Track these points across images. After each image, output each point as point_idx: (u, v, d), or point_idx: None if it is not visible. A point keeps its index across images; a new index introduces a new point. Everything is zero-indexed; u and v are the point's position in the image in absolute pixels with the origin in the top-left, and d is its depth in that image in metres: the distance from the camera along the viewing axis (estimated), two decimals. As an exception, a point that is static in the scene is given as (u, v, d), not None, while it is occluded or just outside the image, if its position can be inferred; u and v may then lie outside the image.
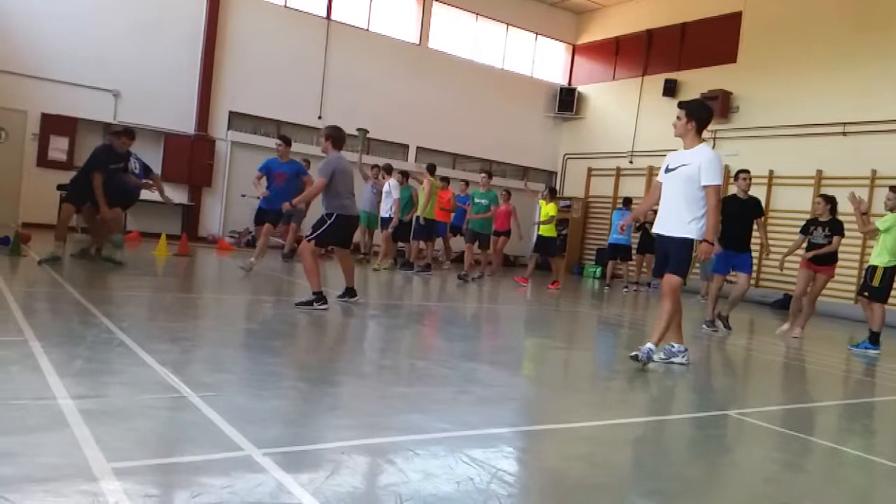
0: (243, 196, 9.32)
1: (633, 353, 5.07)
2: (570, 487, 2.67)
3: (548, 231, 12.19)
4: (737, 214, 8.02)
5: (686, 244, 5.17)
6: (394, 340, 5.79)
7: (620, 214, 14.20)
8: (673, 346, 5.49)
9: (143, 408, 2.99)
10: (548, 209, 12.22)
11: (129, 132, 8.64)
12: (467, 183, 14.27)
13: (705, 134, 5.47)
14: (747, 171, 8.28)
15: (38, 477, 2.16)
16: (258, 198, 9.46)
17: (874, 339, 7.77)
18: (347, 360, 4.83)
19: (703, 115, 5.31)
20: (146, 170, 9.92)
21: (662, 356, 5.48)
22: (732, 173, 14.76)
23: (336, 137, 6.78)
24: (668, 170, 5.35)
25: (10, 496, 1.99)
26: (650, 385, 4.77)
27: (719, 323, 8.19)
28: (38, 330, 4.22)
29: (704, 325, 8.18)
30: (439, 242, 13.45)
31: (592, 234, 18.57)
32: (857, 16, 13.39)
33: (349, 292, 7.07)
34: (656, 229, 5.43)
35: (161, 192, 9.83)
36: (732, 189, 8.78)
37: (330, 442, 2.81)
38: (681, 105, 5.42)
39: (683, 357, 5.49)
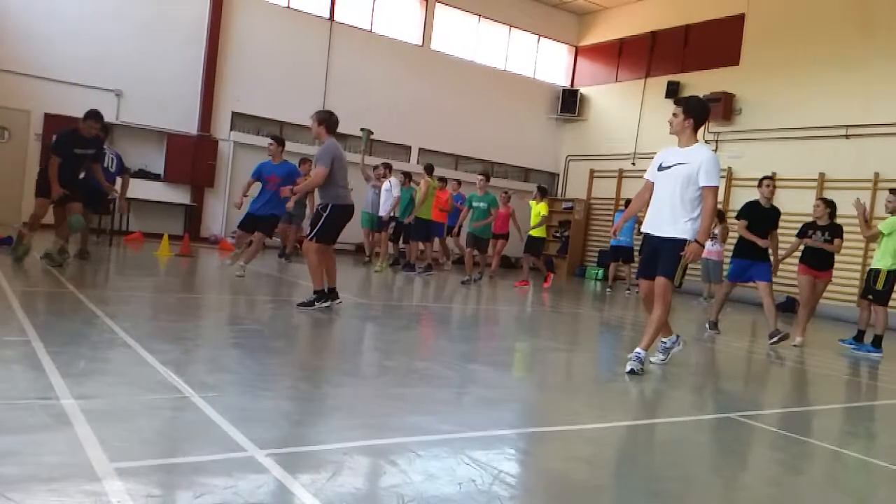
0: (246, 197, 9.26)
1: (629, 369, 4.91)
2: (573, 489, 2.66)
3: (539, 231, 12.22)
4: (758, 222, 7.76)
5: (680, 245, 4.99)
6: (395, 341, 5.79)
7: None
8: (665, 342, 5.46)
9: (146, 408, 3.00)
10: (539, 208, 12.22)
11: (95, 114, 7.97)
12: (459, 182, 14.26)
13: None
14: (771, 178, 8.01)
15: (41, 476, 2.16)
16: (237, 205, 9.15)
17: (877, 343, 7.75)
18: (349, 361, 4.83)
19: (700, 112, 5.12)
20: (121, 167, 9.71)
21: (662, 357, 5.45)
22: (735, 176, 14.96)
23: (330, 122, 6.49)
24: (661, 168, 5.14)
25: (13, 496, 1.99)
26: (652, 387, 4.77)
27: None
28: (40, 330, 4.23)
29: (707, 327, 8.16)
30: (437, 243, 13.45)
31: (594, 236, 18.57)
32: (861, 18, 13.39)
33: (331, 293, 6.69)
34: (646, 228, 5.22)
35: (122, 195, 9.47)
36: (741, 193, 8.69)
37: (332, 443, 2.81)
38: (678, 101, 5.21)
39: (679, 346, 5.52)
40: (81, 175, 8.24)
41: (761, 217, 7.83)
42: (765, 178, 8.03)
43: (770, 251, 7.81)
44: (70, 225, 7.85)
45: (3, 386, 3.10)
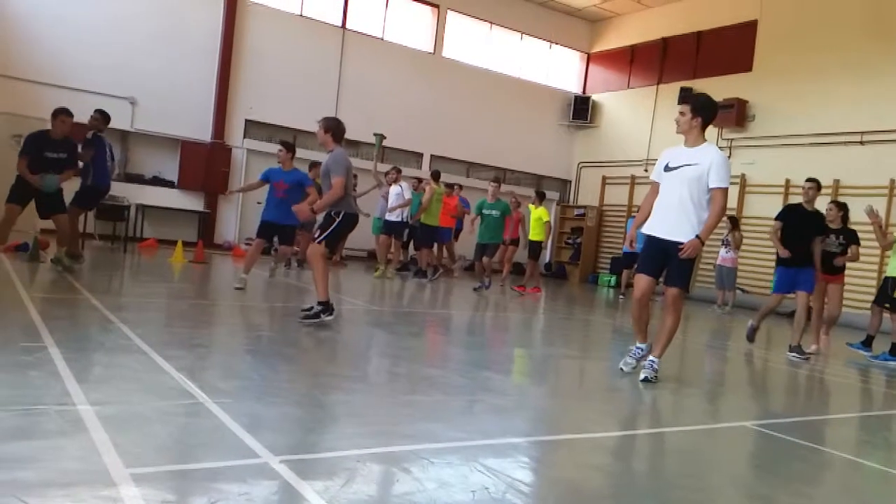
0: (259, 203, 9.29)
1: (642, 377, 4.87)
2: (587, 498, 2.65)
3: (538, 236, 12.23)
4: (799, 226, 7.31)
5: None
6: (407, 348, 5.79)
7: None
8: (641, 348, 5.17)
9: (161, 414, 3.01)
10: (539, 213, 12.21)
11: (64, 110, 7.65)
12: (461, 186, 14.31)
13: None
14: (812, 181, 7.45)
15: (58, 482, 2.18)
16: (227, 193, 8.91)
17: (894, 351, 7.66)
18: (361, 368, 4.84)
19: (708, 111, 4.93)
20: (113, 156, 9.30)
21: (631, 363, 5.15)
22: (748, 183, 14.88)
23: (337, 130, 6.38)
24: (668, 168, 4.97)
25: (30, 500, 2.01)
26: (666, 395, 4.74)
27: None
28: (56, 336, 4.26)
29: (746, 337, 7.79)
30: (445, 248, 13.45)
31: (607, 243, 18.52)
32: (875, 24, 13.30)
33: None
34: (651, 231, 5.01)
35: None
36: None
37: (345, 450, 2.82)
38: (685, 99, 4.98)
39: (633, 355, 5.21)
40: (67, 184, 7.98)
41: (802, 221, 7.37)
42: (807, 180, 7.53)
43: (815, 259, 7.40)
44: (43, 184, 7.58)
45: (20, 392, 3.13)
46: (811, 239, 7.36)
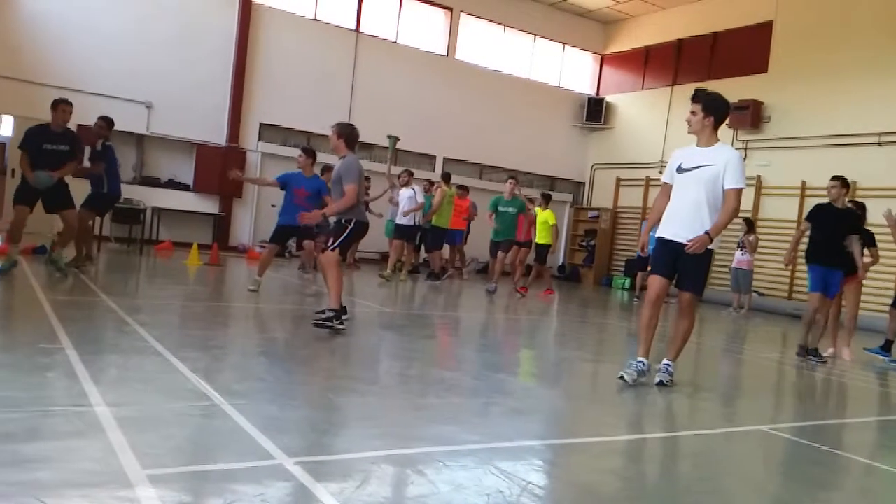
0: (273, 206, 9.30)
1: (657, 381, 4.79)
2: (602, 502, 2.64)
3: (544, 239, 12.18)
4: (830, 226, 7.12)
5: (708, 254, 4.79)
6: (420, 351, 5.79)
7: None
8: (643, 363, 4.91)
9: (177, 415, 3.03)
10: (545, 216, 12.15)
11: (64, 100, 7.48)
12: (467, 189, 14.28)
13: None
14: (836, 179, 7.20)
15: (75, 482, 2.20)
16: (232, 179, 8.68)
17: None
18: (375, 370, 4.84)
19: (720, 109, 4.80)
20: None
21: (634, 376, 4.82)
22: (764, 185, 14.76)
23: (350, 137, 6.27)
24: (681, 169, 4.86)
25: (48, 501, 2.03)
26: (681, 399, 4.70)
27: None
28: (73, 338, 4.30)
29: (804, 355, 7.27)
30: (448, 250, 13.48)
31: (621, 246, 18.43)
32: (891, 23, 13.17)
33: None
34: (666, 234, 4.89)
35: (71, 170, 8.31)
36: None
37: (360, 452, 2.82)
38: (696, 97, 4.84)
39: (646, 376, 4.91)
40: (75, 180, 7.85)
41: (834, 220, 7.16)
42: (832, 178, 7.28)
43: (856, 258, 7.25)
44: (38, 182, 7.36)
45: (38, 393, 3.16)
46: (843, 238, 7.19)
